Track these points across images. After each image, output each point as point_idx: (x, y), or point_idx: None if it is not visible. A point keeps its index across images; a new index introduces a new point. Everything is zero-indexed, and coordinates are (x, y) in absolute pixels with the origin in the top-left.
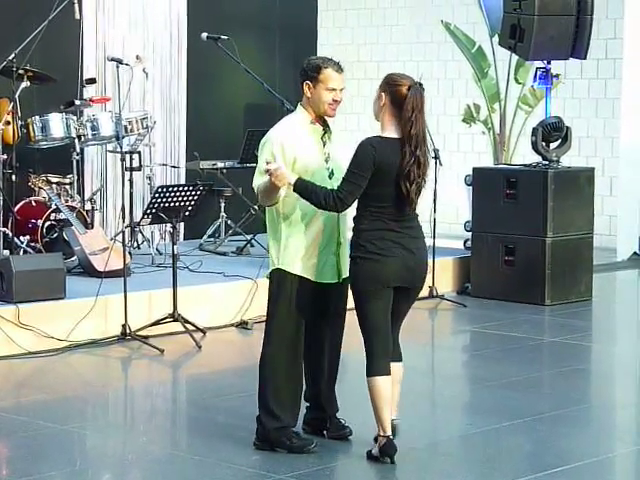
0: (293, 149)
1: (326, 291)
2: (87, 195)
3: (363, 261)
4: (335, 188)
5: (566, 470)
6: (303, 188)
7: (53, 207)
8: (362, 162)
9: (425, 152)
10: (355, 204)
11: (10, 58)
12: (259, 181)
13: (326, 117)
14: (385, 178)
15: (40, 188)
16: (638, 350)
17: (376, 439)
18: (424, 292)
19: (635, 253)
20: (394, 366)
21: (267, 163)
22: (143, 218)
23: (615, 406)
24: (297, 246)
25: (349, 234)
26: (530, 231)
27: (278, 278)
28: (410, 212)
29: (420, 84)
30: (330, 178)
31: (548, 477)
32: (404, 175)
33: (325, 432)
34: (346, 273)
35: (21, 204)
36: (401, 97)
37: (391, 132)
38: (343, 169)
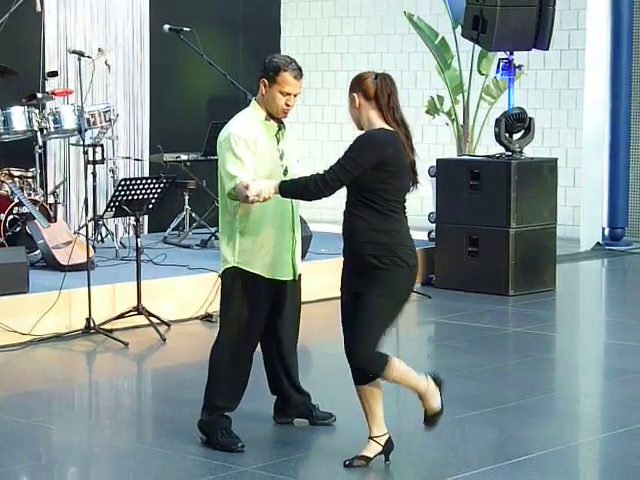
0: (254, 147)
1: (280, 287)
2: (50, 188)
3: (400, 269)
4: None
5: (530, 459)
6: (288, 190)
7: (16, 201)
8: (366, 152)
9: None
10: (359, 201)
11: None
12: (235, 185)
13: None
14: (399, 170)
15: (2, 182)
16: (601, 340)
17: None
18: None
19: (598, 243)
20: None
21: (246, 189)
22: (106, 211)
23: (579, 395)
24: (252, 244)
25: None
26: (494, 222)
27: (232, 276)
28: None
29: (384, 73)
30: (285, 175)
31: (512, 466)
32: (412, 162)
33: (309, 420)
34: (301, 270)
35: None
36: (371, 89)
37: (384, 125)
38: (295, 166)
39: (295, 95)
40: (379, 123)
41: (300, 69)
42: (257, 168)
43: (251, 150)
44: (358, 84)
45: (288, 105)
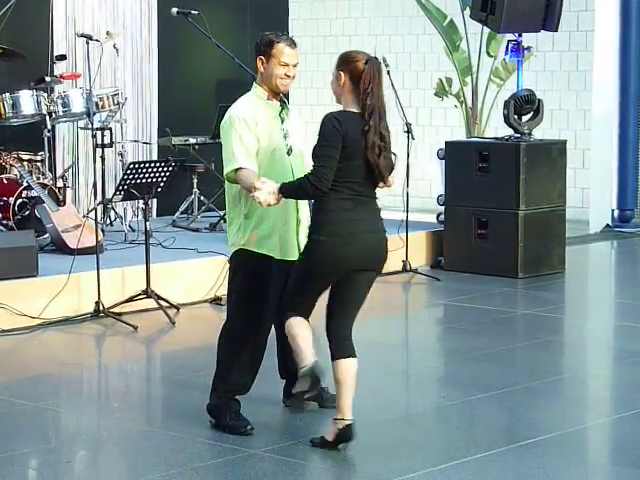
0: (255, 127)
1: (289, 269)
2: (59, 172)
3: (323, 243)
4: (304, 169)
5: (539, 441)
6: (288, 192)
7: (25, 185)
8: (330, 134)
9: (385, 125)
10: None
11: None
12: (238, 169)
13: (280, 93)
14: (350, 151)
15: (11, 166)
16: (609, 322)
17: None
18: (398, 266)
19: (607, 225)
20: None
21: (253, 190)
22: (115, 195)
23: (588, 378)
24: (257, 225)
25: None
26: (503, 204)
27: (240, 258)
28: (371, 191)
29: (376, 58)
30: (289, 154)
31: (521, 449)
32: (370, 147)
33: (318, 403)
34: None
35: None
36: (359, 72)
37: (353, 108)
38: (299, 145)
39: (294, 65)
40: (350, 105)
41: (292, 39)
42: (260, 148)
43: (252, 131)
44: (347, 63)
45: (288, 76)
